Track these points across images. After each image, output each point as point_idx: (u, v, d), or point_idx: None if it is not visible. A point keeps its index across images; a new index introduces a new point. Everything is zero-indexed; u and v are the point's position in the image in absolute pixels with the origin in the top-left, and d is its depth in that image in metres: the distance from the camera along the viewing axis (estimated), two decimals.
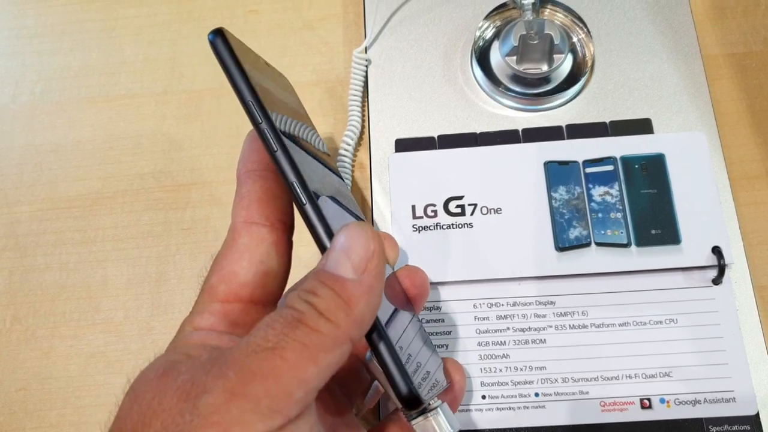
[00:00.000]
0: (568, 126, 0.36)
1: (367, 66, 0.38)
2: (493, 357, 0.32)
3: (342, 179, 0.28)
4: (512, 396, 0.31)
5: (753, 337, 0.31)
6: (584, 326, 0.32)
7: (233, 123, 0.39)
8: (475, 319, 0.33)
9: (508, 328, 0.32)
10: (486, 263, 0.33)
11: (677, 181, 0.34)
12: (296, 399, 0.19)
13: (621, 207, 0.33)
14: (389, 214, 0.34)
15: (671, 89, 0.36)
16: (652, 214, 0.33)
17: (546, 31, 0.35)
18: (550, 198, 0.34)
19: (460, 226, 0.34)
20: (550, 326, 0.32)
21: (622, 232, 0.33)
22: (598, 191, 0.34)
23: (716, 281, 0.32)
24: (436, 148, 0.36)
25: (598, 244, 0.33)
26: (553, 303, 0.33)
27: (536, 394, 0.31)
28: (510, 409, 0.31)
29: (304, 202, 0.22)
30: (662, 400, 0.31)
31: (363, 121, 0.38)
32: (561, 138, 0.35)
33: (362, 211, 0.28)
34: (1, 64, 0.42)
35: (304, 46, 0.41)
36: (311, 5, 0.42)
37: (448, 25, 0.39)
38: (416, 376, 0.23)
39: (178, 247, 0.37)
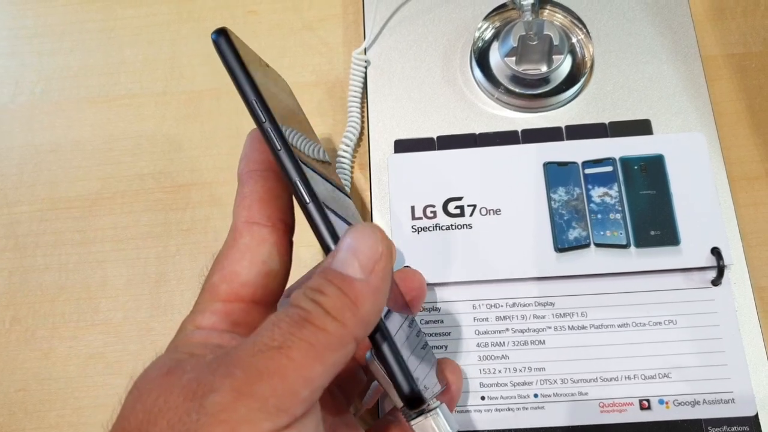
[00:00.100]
0: (568, 127, 0.36)
1: (366, 67, 0.38)
2: (493, 358, 0.32)
3: (341, 189, 0.28)
4: (511, 397, 0.31)
5: (752, 338, 0.31)
6: (583, 327, 0.32)
7: (233, 123, 0.39)
8: (474, 320, 0.33)
9: (507, 329, 0.32)
10: (485, 264, 0.33)
11: (676, 182, 0.34)
12: (302, 398, 0.19)
13: (620, 208, 0.33)
14: (388, 215, 0.34)
15: (670, 90, 0.36)
16: (651, 215, 0.33)
17: (545, 32, 0.35)
18: (549, 199, 0.34)
19: (459, 227, 0.34)
20: (550, 327, 0.32)
21: (621, 233, 0.33)
22: (597, 192, 0.34)
23: (715, 282, 0.32)
24: (435, 149, 0.36)
25: (598, 245, 0.33)
26: (552, 304, 0.33)
27: (535, 395, 0.31)
28: (509, 410, 0.31)
29: (308, 200, 0.22)
30: (661, 401, 0.31)
31: (362, 121, 0.38)
32: (560, 139, 0.35)
33: (361, 213, 0.28)
34: (0, 64, 0.42)
35: (304, 47, 0.41)
36: (311, 6, 0.42)
37: (447, 26, 0.39)
38: (417, 375, 0.23)
39: (178, 248, 0.37)
